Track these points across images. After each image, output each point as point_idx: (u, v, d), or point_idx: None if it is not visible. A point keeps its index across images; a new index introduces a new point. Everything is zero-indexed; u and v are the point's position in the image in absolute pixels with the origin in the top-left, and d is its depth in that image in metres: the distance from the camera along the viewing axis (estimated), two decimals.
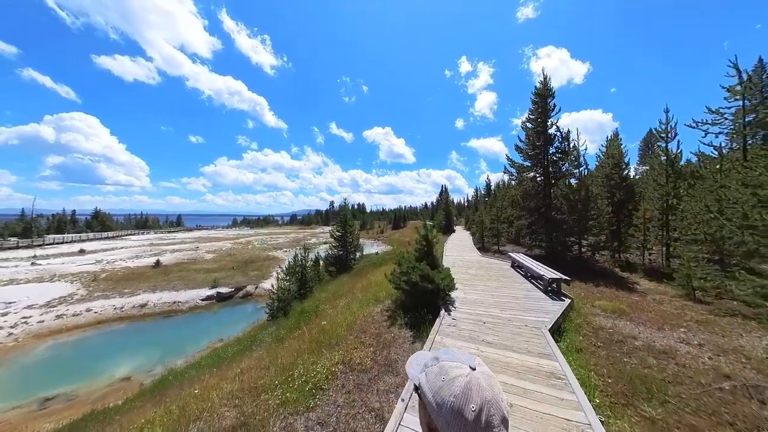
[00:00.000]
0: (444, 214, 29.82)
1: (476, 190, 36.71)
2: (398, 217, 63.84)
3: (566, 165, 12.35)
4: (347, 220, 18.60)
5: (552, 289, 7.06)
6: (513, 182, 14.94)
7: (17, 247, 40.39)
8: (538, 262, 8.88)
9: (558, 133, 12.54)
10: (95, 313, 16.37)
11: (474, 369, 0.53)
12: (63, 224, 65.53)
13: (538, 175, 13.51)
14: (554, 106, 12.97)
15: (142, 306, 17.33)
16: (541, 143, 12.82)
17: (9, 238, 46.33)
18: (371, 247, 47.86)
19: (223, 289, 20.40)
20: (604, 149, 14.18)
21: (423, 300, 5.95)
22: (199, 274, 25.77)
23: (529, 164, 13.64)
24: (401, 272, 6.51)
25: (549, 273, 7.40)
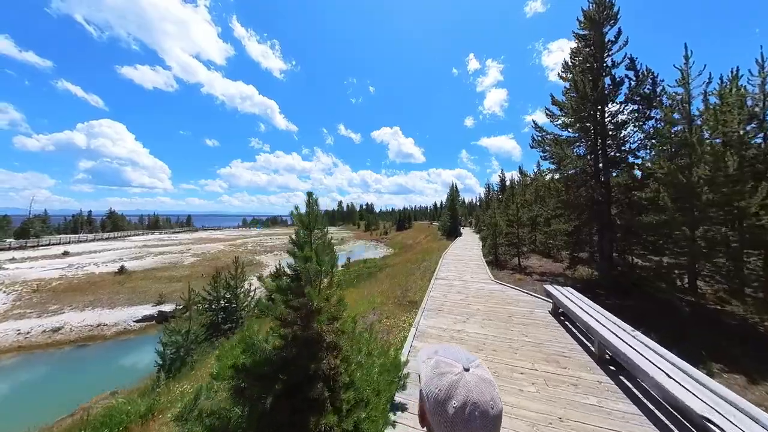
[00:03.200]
0: (449, 214, 24.77)
1: (488, 185, 31.16)
2: (403, 218, 59.02)
3: (648, 126, 7.13)
4: (310, 219, 14.17)
5: None
6: (545, 164, 9.74)
7: None
8: (630, 329, 3.91)
9: (627, 78, 7.42)
10: None
11: (467, 370, 0.54)
12: (79, 224, 66.25)
13: (587, 152, 8.41)
14: (617, 36, 7.89)
15: (56, 330, 13.80)
16: (594, 99, 7.74)
17: (5, 240, 45.91)
18: (373, 250, 43.54)
19: (167, 307, 16.76)
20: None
21: None
22: (160, 284, 22.35)
23: (573, 135, 8.57)
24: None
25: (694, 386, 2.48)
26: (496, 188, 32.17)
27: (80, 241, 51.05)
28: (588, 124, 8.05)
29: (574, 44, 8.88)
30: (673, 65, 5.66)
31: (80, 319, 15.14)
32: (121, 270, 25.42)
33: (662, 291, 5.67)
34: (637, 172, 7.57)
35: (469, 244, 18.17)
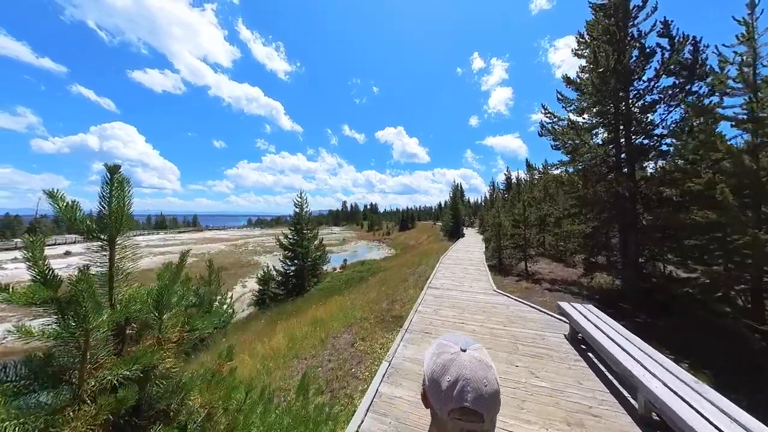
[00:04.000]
0: (451, 214, 23.45)
1: (492, 183, 29.55)
2: (406, 218, 57.80)
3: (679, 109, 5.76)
4: (300, 220, 13.13)
5: None
6: (555, 157, 8.45)
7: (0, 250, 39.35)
8: (692, 380, 2.68)
9: (660, 47, 6.10)
10: None
11: (464, 351, 0.57)
12: None
13: (608, 139, 7.10)
14: (644, 0, 6.57)
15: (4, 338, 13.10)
16: (619, 75, 6.44)
17: (14, 239, 46.65)
18: (374, 250, 42.50)
19: None
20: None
21: None
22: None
23: (591, 121, 7.27)
24: None
25: None
26: (501, 187, 30.71)
27: (80, 242, 51.62)
28: (610, 106, 6.75)
29: (588, 21, 7.60)
30: (732, 17, 4.35)
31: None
32: None
33: (718, 313, 4.37)
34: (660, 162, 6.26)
35: (471, 245, 16.90)
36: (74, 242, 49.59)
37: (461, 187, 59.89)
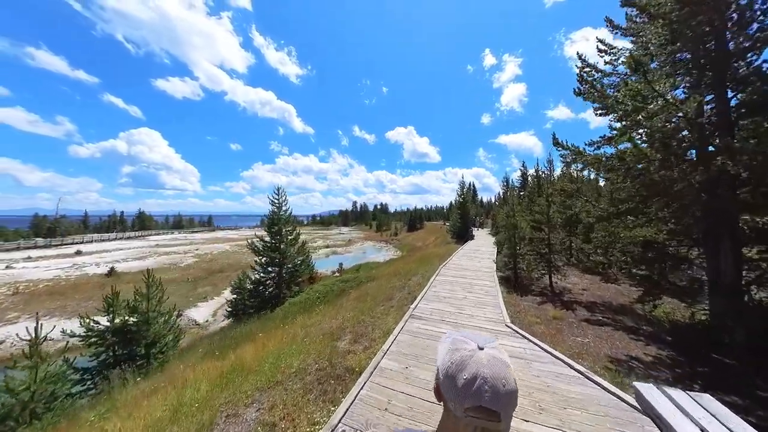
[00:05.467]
0: (459, 213, 20.76)
1: (506, 178, 26.33)
2: (414, 218, 55.26)
3: None
4: (278, 220, 11.23)
5: None
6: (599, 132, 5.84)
7: (18, 249, 40.50)
8: None
9: None
10: None
11: (482, 349, 0.55)
12: (113, 224, 70.72)
13: (695, 94, 4.54)
14: None
15: None
16: None
17: (35, 238, 48.66)
18: (378, 252, 40.43)
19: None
20: None
21: None
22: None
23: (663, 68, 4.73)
24: None
25: None
26: (516, 184, 27.68)
27: (102, 240, 53.09)
28: (702, 29, 4.22)
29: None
30: None
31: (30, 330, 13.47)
32: (111, 272, 24.48)
33: None
34: None
35: (480, 250, 14.36)
36: (92, 241, 51.19)
37: (473, 186, 56.23)
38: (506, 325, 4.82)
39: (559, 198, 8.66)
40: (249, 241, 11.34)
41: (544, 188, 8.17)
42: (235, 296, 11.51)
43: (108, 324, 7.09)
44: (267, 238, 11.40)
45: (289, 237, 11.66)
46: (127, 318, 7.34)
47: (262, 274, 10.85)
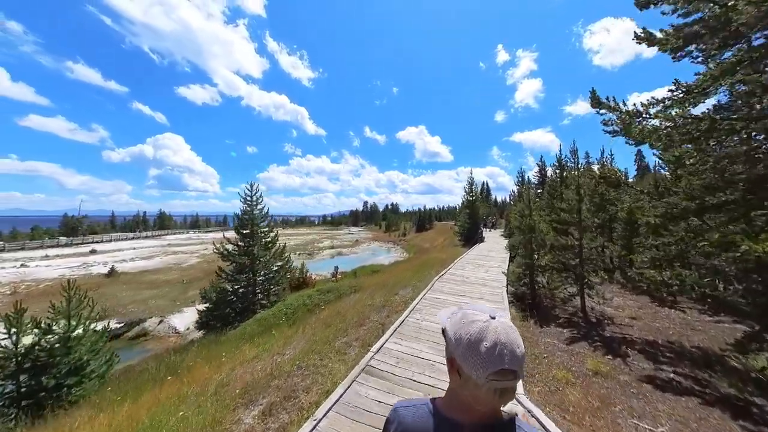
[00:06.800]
0: (467, 214, 18.41)
1: (521, 173, 23.36)
2: (423, 218, 52.89)
3: None
4: (253, 220, 9.71)
5: None
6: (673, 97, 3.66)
7: (41, 247, 42.09)
8: None
9: None
10: None
11: (494, 318, 0.60)
12: (136, 224, 74.34)
13: None
14: None
15: None
16: None
17: (60, 237, 51.08)
18: (384, 253, 38.63)
19: (100, 325, 13.83)
20: None
21: None
22: (132, 290, 20.36)
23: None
24: None
25: None
26: (534, 181, 24.90)
27: (120, 239, 54.98)
28: None
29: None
30: None
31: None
32: (111, 272, 24.29)
33: None
34: None
35: (488, 255, 12.17)
36: (110, 240, 53.07)
37: (487, 185, 52.58)
38: (520, 395, 2.86)
39: (600, 189, 6.44)
40: (214, 244, 9.91)
41: (573, 178, 6.02)
42: (206, 306, 10.16)
43: (11, 347, 5.76)
44: (241, 242, 9.92)
45: (265, 240, 10.12)
46: (40, 338, 6.01)
47: (228, 284, 9.37)
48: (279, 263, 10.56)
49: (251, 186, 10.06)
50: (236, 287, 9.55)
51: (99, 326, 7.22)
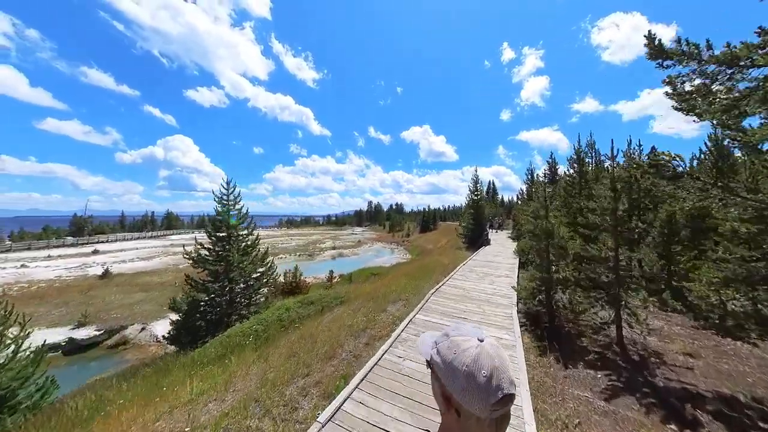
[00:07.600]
0: (472, 214, 17.03)
1: (529, 170, 21.61)
2: (427, 218, 51.45)
3: None
4: (228, 222, 8.65)
5: None
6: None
7: (47, 247, 42.35)
8: None
9: None
10: None
11: (482, 341, 0.57)
12: (145, 224, 75.18)
13: None
14: None
15: None
16: None
17: (66, 237, 51.71)
18: (386, 254, 37.40)
19: (84, 332, 13.05)
20: None
21: None
22: (123, 293, 19.75)
23: None
24: None
25: None
26: (543, 175, 23.19)
27: (124, 239, 55.36)
28: None
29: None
30: None
31: None
32: (104, 274, 23.79)
33: None
34: None
35: (495, 262, 10.81)
36: (115, 240, 53.46)
37: (493, 184, 50.62)
38: None
39: (644, 183, 5.09)
40: (185, 248, 8.88)
41: (604, 172, 4.69)
42: (178, 317, 9.17)
43: None
44: (216, 246, 8.88)
45: (243, 244, 9.05)
46: None
47: (201, 293, 8.33)
48: (261, 269, 9.49)
49: (227, 183, 8.97)
50: (211, 296, 8.50)
51: (34, 345, 6.11)
